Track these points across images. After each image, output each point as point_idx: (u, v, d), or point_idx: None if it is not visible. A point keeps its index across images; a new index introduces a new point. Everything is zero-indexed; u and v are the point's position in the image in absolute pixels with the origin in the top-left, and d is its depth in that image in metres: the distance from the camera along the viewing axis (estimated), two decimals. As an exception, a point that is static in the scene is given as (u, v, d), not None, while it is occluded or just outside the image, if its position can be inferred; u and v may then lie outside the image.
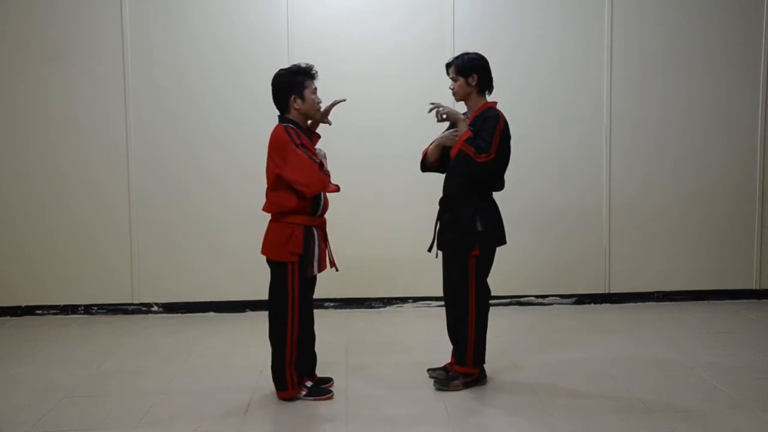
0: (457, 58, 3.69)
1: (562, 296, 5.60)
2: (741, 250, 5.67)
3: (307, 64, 3.55)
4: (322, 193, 3.55)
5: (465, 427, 3.18)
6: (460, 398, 3.52)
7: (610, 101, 5.49)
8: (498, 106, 3.68)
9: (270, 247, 3.51)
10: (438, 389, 3.63)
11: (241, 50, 5.30)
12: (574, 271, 5.58)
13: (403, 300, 5.55)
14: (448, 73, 3.72)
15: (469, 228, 3.57)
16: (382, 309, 5.51)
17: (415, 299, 5.54)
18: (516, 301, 5.57)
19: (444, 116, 3.66)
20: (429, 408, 3.40)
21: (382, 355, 4.31)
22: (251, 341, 4.57)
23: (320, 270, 3.54)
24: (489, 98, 3.74)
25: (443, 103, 3.76)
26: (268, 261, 3.54)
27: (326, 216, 3.64)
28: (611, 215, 5.53)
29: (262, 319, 5.31)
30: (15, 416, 3.34)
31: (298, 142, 3.38)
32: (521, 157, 5.39)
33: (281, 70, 3.55)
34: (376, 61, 5.38)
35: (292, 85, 3.49)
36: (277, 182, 3.46)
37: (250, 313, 5.39)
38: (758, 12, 5.50)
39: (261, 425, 3.25)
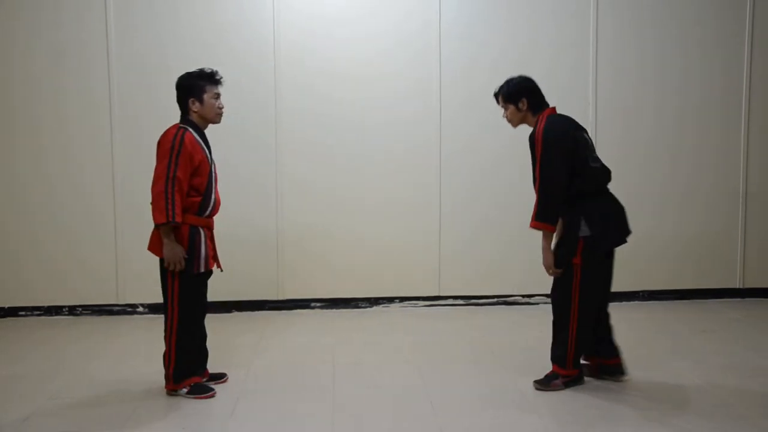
0: (501, 87, 3.66)
1: (548, 296, 5.60)
2: (724, 249, 5.72)
3: (212, 70, 3.61)
4: (213, 195, 3.59)
5: (453, 426, 3.18)
6: (447, 397, 3.53)
7: (596, 103, 5.52)
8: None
9: (155, 244, 3.50)
10: (537, 388, 3.62)
11: (227, 48, 5.27)
12: (560, 271, 5.60)
13: (390, 300, 5.55)
14: (497, 103, 3.70)
15: (570, 234, 3.50)
16: (368, 309, 5.51)
17: (402, 299, 5.55)
18: (503, 300, 5.60)
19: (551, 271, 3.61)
20: (415, 407, 3.40)
21: (369, 354, 4.31)
22: (236, 341, 4.56)
23: (206, 268, 3.58)
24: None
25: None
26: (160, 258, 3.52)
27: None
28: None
29: (248, 319, 5.32)
30: (-1, 418, 3.32)
31: (176, 149, 3.40)
32: (511, 159, 5.43)
33: (186, 73, 3.61)
34: (363, 62, 5.37)
35: (192, 88, 3.56)
36: None
37: (236, 314, 5.37)
38: (742, 11, 5.56)
39: (247, 424, 3.24)
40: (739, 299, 5.71)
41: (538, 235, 3.63)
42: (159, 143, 3.48)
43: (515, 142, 5.43)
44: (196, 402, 3.51)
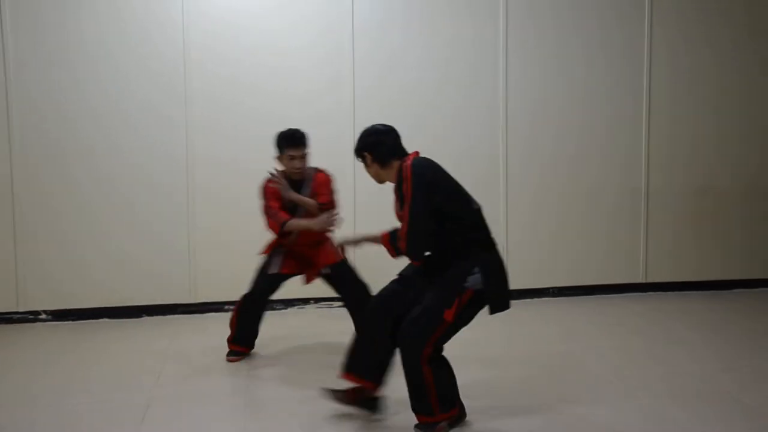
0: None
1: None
2: (627, 245, 5.96)
3: (291, 132, 4.03)
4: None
5: (368, 427, 3.18)
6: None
7: (506, 107, 5.65)
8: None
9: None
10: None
11: (136, 30, 5.11)
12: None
13: (305, 301, 5.51)
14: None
15: (456, 283, 2.99)
16: (283, 310, 5.45)
17: (317, 300, 5.52)
18: (417, 299, 5.64)
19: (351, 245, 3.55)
20: (331, 408, 3.38)
21: (283, 357, 4.27)
22: (146, 347, 4.43)
23: (279, 270, 4.13)
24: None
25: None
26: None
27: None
28: (508, 214, 5.69)
29: (159, 324, 5.16)
30: None
31: (263, 194, 4.10)
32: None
33: (280, 131, 4.07)
34: (276, 55, 5.30)
35: (278, 146, 4.06)
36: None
37: (146, 318, 5.20)
38: (640, 15, 5.81)
39: (158, 431, 3.15)
40: (642, 293, 5.97)
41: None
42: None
43: (433, 142, 5.50)
44: (104, 409, 3.38)
